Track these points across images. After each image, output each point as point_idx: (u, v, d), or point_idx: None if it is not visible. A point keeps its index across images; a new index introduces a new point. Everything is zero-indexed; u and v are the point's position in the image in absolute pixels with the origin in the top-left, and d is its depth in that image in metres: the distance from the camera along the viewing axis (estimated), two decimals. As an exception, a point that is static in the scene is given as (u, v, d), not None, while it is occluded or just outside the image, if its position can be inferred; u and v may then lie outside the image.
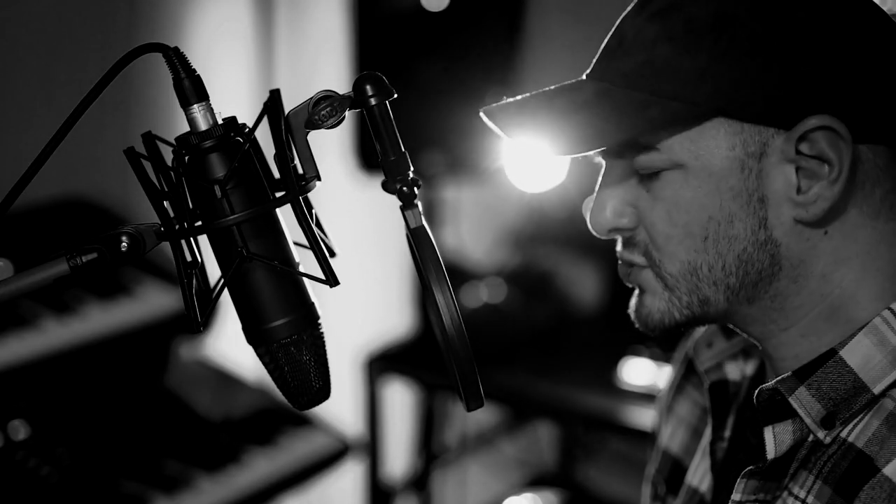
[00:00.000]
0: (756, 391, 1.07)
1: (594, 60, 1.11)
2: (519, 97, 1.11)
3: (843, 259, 1.06)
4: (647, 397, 2.55)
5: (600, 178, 1.12)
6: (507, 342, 2.85)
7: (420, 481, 3.13)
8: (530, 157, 2.81)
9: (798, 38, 1.01)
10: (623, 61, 1.06)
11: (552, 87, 1.11)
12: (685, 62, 1.02)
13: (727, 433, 1.21)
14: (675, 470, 1.29)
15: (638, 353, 2.65)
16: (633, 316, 1.14)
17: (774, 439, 1.06)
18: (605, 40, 1.10)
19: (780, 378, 1.06)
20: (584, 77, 1.11)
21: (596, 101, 1.05)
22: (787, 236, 1.05)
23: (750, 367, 1.24)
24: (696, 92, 1.01)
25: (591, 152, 1.07)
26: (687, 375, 1.33)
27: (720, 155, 1.03)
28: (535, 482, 3.30)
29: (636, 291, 1.14)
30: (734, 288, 1.07)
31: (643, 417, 2.49)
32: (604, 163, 1.12)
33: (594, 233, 1.12)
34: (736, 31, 1.01)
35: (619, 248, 1.14)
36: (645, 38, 1.04)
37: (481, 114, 1.11)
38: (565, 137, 1.05)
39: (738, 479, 1.08)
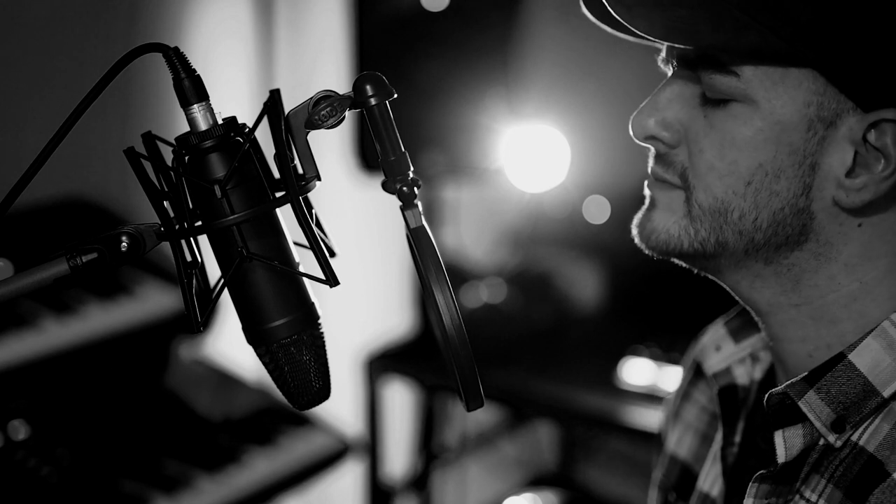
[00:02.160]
0: (766, 395, 1.07)
1: None
2: None
3: (870, 256, 1.06)
4: (647, 397, 2.55)
5: (661, 85, 1.10)
6: (507, 342, 2.85)
7: (420, 481, 3.13)
8: (530, 157, 2.81)
9: None
10: None
11: None
12: (799, 3, 0.99)
13: (737, 438, 1.20)
14: (683, 476, 1.29)
15: (638, 353, 2.66)
16: (635, 230, 1.12)
17: (785, 443, 1.06)
18: None
19: (789, 382, 1.06)
20: None
21: (699, 5, 1.02)
22: (823, 213, 1.05)
23: (758, 371, 1.23)
24: (799, 35, 0.99)
25: (672, 46, 1.04)
26: (694, 381, 1.33)
27: (793, 107, 1.02)
28: (535, 482, 3.30)
29: (646, 204, 1.12)
30: (758, 244, 1.06)
31: (643, 417, 2.49)
32: (670, 72, 1.10)
33: (631, 133, 1.10)
34: None
35: (651, 162, 1.11)
36: None
37: None
38: (659, 23, 1.02)
39: (750, 484, 1.08)
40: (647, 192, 1.13)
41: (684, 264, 1.13)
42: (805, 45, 0.99)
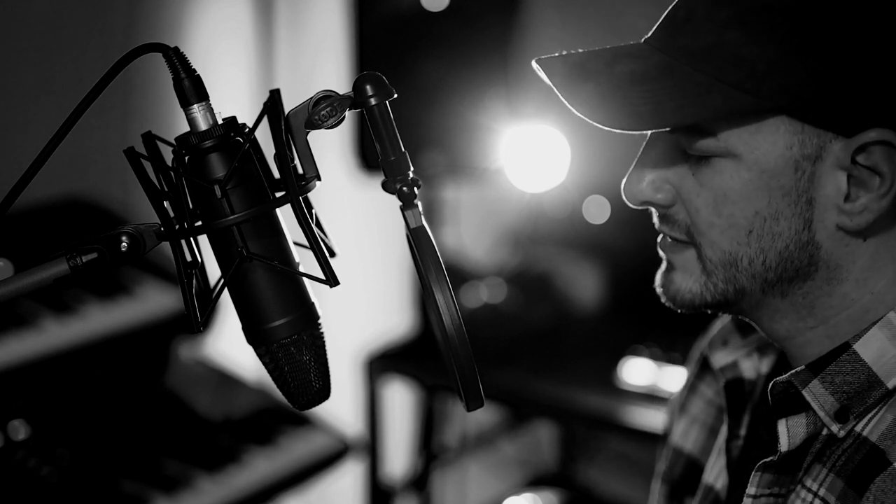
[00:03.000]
0: (770, 384, 1.07)
1: (656, 27, 1.08)
2: (579, 51, 1.08)
3: (878, 266, 1.07)
4: (647, 397, 2.55)
5: (643, 146, 1.10)
6: (507, 342, 2.85)
7: (420, 481, 3.13)
8: (530, 157, 2.81)
9: (876, 48, 0.99)
10: (691, 38, 1.02)
11: (611, 47, 1.08)
12: (754, 52, 0.99)
13: (743, 431, 1.21)
14: (689, 468, 1.29)
15: (638, 353, 2.65)
16: (659, 290, 1.14)
17: (788, 432, 1.06)
18: (671, 9, 1.06)
19: (793, 371, 1.06)
20: (643, 41, 1.08)
21: (657, 76, 1.02)
22: (829, 240, 1.05)
23: (765, 365, 1.24)
24: (762, 85, 0.99)
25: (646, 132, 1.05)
26: (701, 375, 1.33)
27: (776, 153, 1.02)
28: (535, 482, 3.29)
29: (664, 266, 1.13)
30: (771, 282, 1.07)
31: (643, 417, 2.49)
32: (649, 132, 1.10)
33: (626, 201, 1.11)
34: (812, 27, 0.98)
35: (656, 222, 1.13)
36: (717, 19, 1.01)
37: (535, 65, 1.08)
38: (621, 112, 1.02)
39: (753, 473, 1.08)
40: (661, 253, 1.14)
41: (710, 312, 1.14)
42: (769, 93, 0.99)
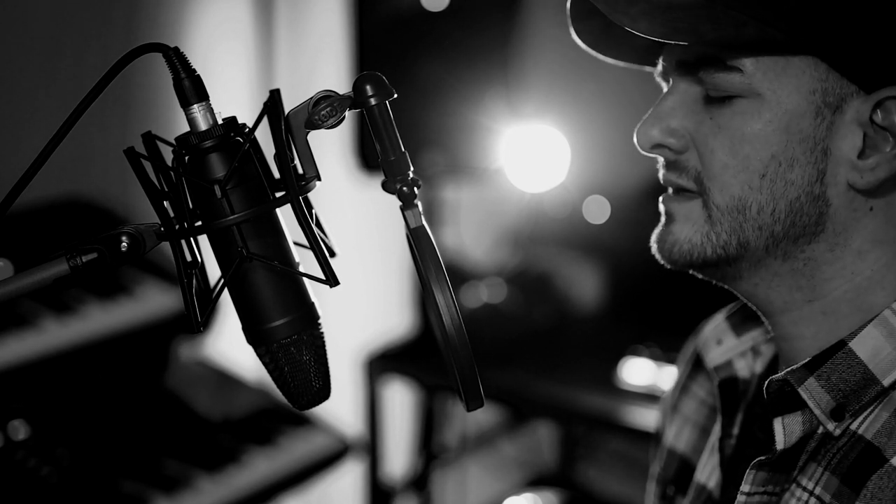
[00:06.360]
0: (766, 382, 1.07)
1: None
2: None
3: (879, 241, 1.07)
4: (647, 397, 2.55)
5: (662, 95, 1.11)
6: (507, 342, 2.85)
7: (420, 481, 3.13)
8: (530, 157, 2.81)
9: None
10: None
11: None
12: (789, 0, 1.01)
13: (736, 430, 1.21)
14: (682, 469, 1.29)
15: (638, 353, 2.66)
16: (655, 246, 1.13)
17: (784, 430, 1.06)
18: None
19: (789, 369, 1.06)
20: None
21: (697, 6, 1.03)
22: (838, 199, 1.06)
23: (759, 365, 1.24)
24: (796, 25, 1.01)
25: (676, 42, 1.06)
26: (693, 375, 1.33)
27: (799, 96, 1.03)
28: (535, 482, 3.30)
29: (662, 220, 1.13)
30: (777, 237, 1.07)
31: (643, 417, 2.49)
32: (666, 84, 1.11)
33: (637, 144, 1.11)
34: None
35: (662, 173, 1.12)
36: None
37: None
38: (660, 22, 1.03)
39: (748, 471, 1.08)
40: (661, 207, 1.13)
41: (702, 276, 1.13)
42: (802, 34, 1.01)
